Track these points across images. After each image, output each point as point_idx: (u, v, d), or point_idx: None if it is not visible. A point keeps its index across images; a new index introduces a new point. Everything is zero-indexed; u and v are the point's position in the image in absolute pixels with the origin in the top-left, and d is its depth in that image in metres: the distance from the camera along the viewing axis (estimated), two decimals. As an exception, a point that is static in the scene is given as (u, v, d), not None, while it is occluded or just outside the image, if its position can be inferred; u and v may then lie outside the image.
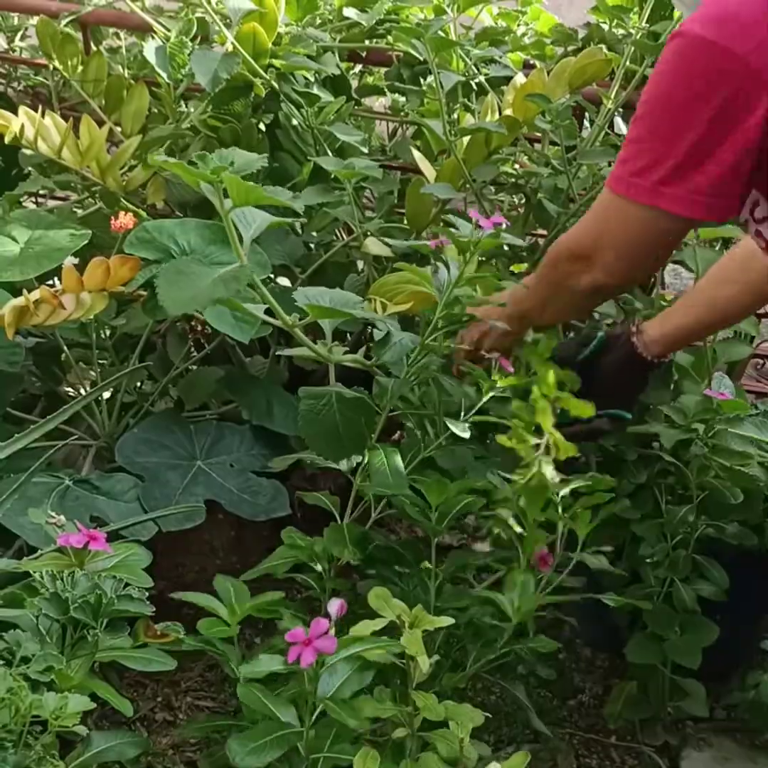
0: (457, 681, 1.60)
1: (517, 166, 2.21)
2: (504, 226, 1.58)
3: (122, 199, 2.11)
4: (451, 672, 1.62)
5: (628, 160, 1.36)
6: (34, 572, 1.22)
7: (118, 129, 2.18)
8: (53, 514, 1.35)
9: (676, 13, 2.06)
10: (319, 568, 1.67)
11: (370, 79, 2.42)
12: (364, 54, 2.27)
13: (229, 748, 1.27)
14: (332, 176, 2.04)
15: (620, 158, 1.39)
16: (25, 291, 1.83)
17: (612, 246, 1.43)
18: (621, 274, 1.48)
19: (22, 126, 2.01)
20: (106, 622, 1.18)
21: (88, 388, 2.25)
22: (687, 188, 1.31)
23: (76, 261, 2.01)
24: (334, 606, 1.28)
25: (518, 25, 2.39)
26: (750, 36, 1.22)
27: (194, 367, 2.25)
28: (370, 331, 2.25)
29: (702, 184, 1.30)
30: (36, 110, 2.06)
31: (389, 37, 2.23)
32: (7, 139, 2.01)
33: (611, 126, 2.13)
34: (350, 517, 1.77)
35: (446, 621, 1.50)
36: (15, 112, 2.05)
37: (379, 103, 2.61)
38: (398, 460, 1.65)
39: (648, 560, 1.87)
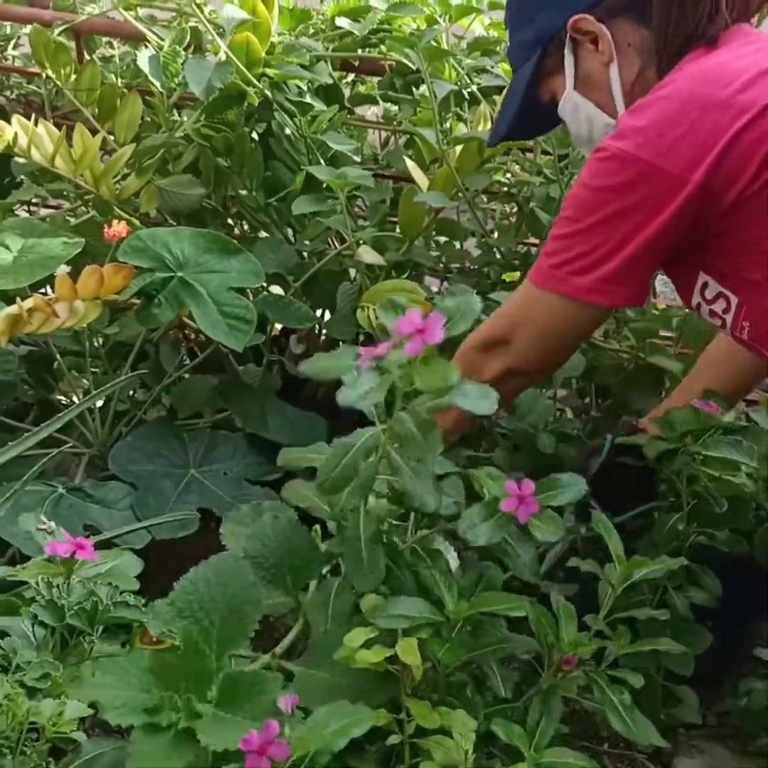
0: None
1: (509, 175, 2.22)
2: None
3: (115, 208, 2.12)
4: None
5: (550, 254, 1.46)
6: (30, 580, 1.22)
7: (111, 138, 2.18)
8: (44, 520, 1.34)
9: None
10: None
11: (362, 89, 2.43)
12: (356, 63, 2.28)
13: None
14: (325, 185, 2.04)
15: (543, 252, 1.48)
16: (18, 299, 1.84)
17: (528, 333, 1.52)
18: (534, 360, 1.56)
19: (16, 134, 2.01)
20: (102, 629, 1.19)
21: (80, 396, 2.25)
22: (602, 280, 1.42)
23: (68, 269, 2.01)
24: (283, 702, 1.19)
25: (510, 35, 2.39)
26: (661, 146, 1.36)
27: (187, 376, 2.25)
28: (361, 339, 2.26)
29: (616, 275, 1.42)
30: (29, 119, 2.06)
31: (382, 47, 2.24)
32: (0, 148, 2.01)
33: (603, 135, 2.14)
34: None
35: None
36: (8, 120, 2.06)
37: (371, 112, 2.62)
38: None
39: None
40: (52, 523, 1.33)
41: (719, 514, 1.79)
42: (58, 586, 1.19)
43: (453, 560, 1.47)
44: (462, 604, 1.40)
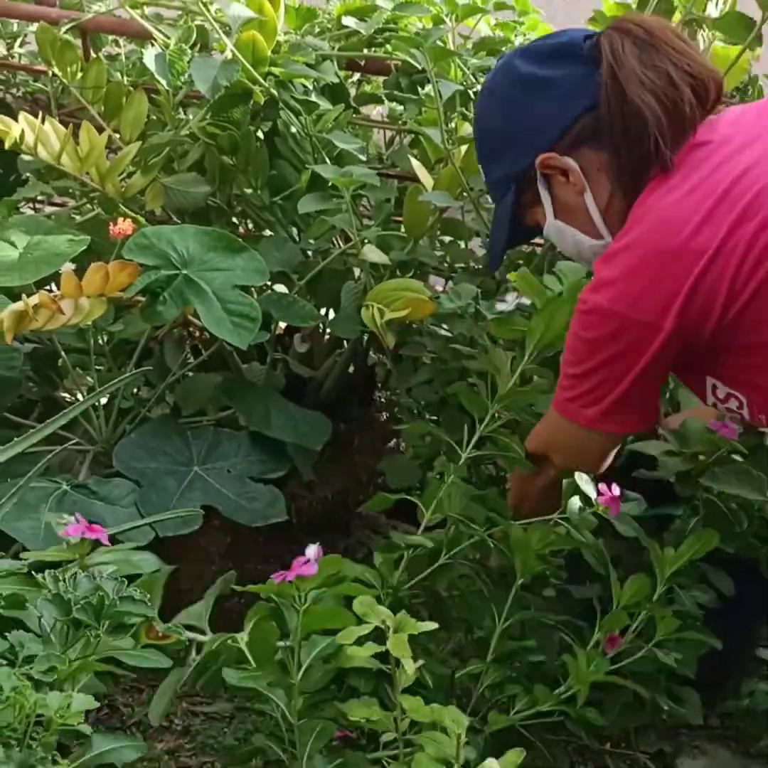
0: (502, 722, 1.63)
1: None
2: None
3: (121, 205, 2.12)
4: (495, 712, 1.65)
5: (564, 388, 1.59)
6: (37, 574, 1.22)
7: (117, 136, 2.19)
8: (64, 515, 1.35)
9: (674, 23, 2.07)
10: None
11: (368, 88, 2.43)
12: (362, 63, 2.28)
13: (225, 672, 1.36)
14: (330, 184, 2.04)
15: (559, 385, 1.61)
16: (24, 296, 1.84)
17: (562, 454, 1.68)
18: (575, 471, 1.68)
19: (22, 131, 2.01)
20: (108, 624, 1.19)
21: (84, 394, 2.25)
22: (608, 411, 1.55)
23: (73, 267, 2.01)
24: (312, 550, 1.38)
25: (516, 36, 2.39)
26: (630, 298, 1.45)
27: (191, 374, 2.25)
28: (366, 338, 2.26)
29: (619, 406, 1.54)
30: (35, 116, 2.07)
31: (387, 46, 2.24)
32: (7, 145, 2.01)
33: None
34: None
35: (431, 626, 1.50)
36: (14, 118, 2.06)
37: (376, 111, 2.62)
38: None
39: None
40: (72, 518, 1.34)
41: (730, 521, 1.80)
42: (65, 579, 1.20)
43: None
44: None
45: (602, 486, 1.63)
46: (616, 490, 1.63)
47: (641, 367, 1.49)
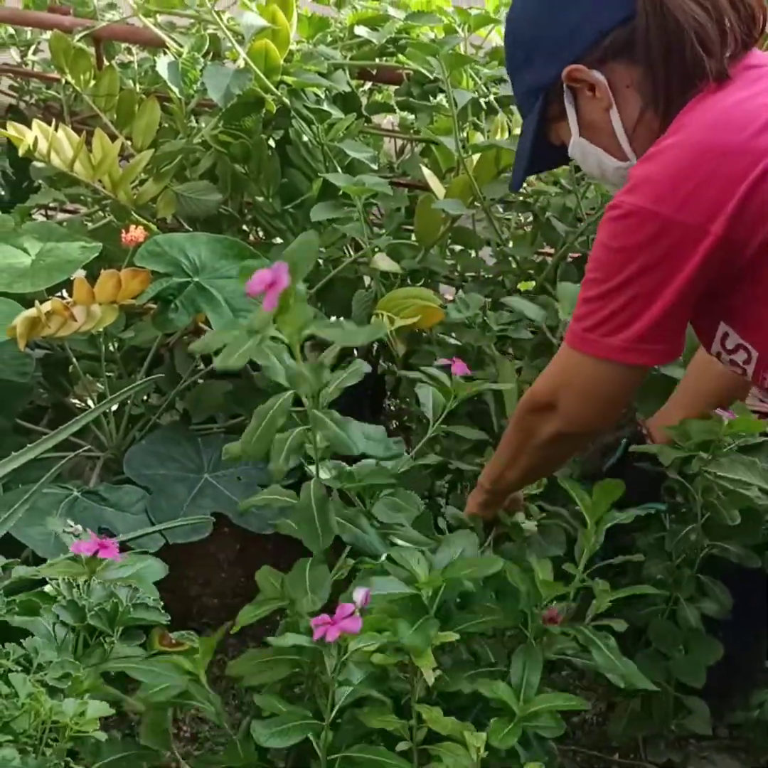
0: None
1: (524, 184, 2.23)
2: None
3: (133, 213, 2.13)
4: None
5: (582, 317, 1.45)
6: (51, 580, 1.23)
7: (129, 143, 2.20)
8: (71, 523, 1.36)
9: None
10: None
11: (379, 97, 2.44)
12: (374, 72, 2.29)
13: (253, 729, 1.30)
14: (341, 192, 2.05)
15: (574, 316, 1.47)
16: (37, 302, 1.85)
17: (573, 396, 1.52)
18: (584, 422, 1.56)
19: (36, 139, 2.02)
20: (121, 630, 1.19)
21: (95, 400, 2.26)
22: (634, 339, 1.41)
23: (84, 273, 2.02)
24: (360, 594, 1.29)
25: (527, 46, 2.40)
26: (677, 198, 1.33)
27: (202, 381, 2.26)
28: (375, 347, 2.27)
29: (648, 333, 1.40)
30: (48, 123, 2.08)
31: (399, 56, 2.25)
32: (20, 152, 2.02)
33: (619, 146, 2.15)
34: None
35: (452, 636, 1.50)
36: (27, 125, 2.07)
37: (386, 120, 2.63)
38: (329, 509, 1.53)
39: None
40: (79, 526, 1.34)
41: (732, 526, 1.79)
42: (78, 586, 1.20)
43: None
44: (434, 574, 1.42)
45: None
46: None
47: (680, 281, 1.36)
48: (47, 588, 1.31)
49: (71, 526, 1.35)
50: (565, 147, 1.56)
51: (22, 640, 1.14)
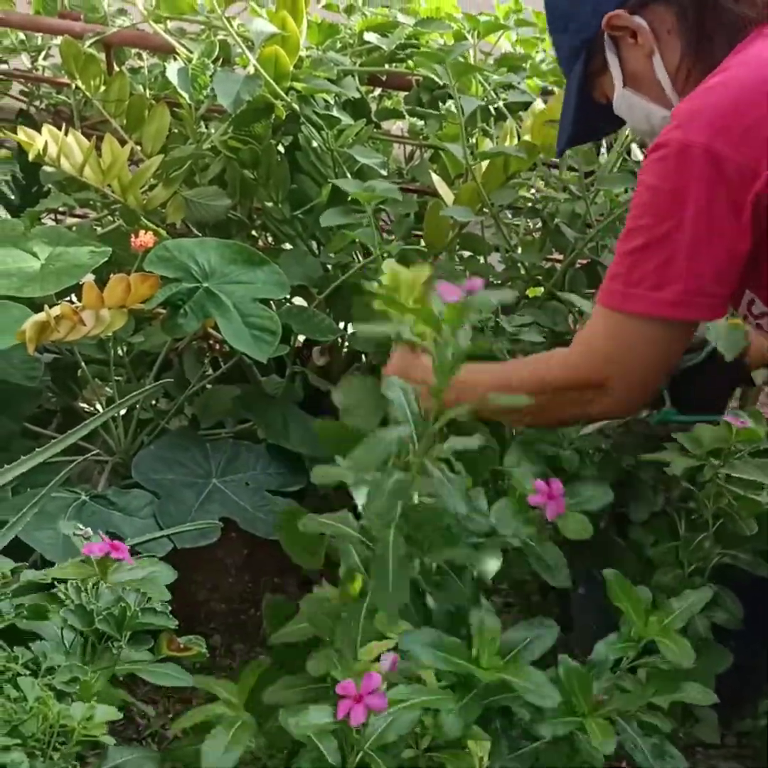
0: None
1: (534, 190, 2.23)
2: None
3: (142, 218, 2.13)
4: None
5: (623, 272, 1.35)
6: (59, 584, 1.23)
7: (139, 148, 2.20)
8: (80, 526, 1.36)
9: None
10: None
11: (388, 103, 2.44)
12: (383, 78, 2.29)
13: None
14: (350, 198, 2.05)
15: (611, 274, 1.37)
16: (46, 307, 1.85)
17: (625, 373, 1.40)
18: (635, 401, 1.47)
19: (46, 143, 2.02)
20: (130, 635, 1.19)
21: (103, 404, 2.26)
22: (684, 291, 1.31)
23: (93, 278, 2.02)
24: (387, 661, 1.22)
25: (537, 52, 2.41)
26: (730, 136, 1.27)
27: (210, 386, 2.26)
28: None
29: (697, 285, 1.31)
30: (58, 129, 2.08)
31: (409, 62, 2.25)
32: (31, 156, 2.02)
33: (629, 152, 2.15)
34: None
35: (454, 642, 1.49)
36: (37, 129, 2.08)
37: (396, 126, 2.63)
38: None
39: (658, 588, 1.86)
40: (89, 529, 1.34)
41: (744, 535, 1.79)
42: (87, 590, 1.20)
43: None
44: (495, 661, 1.28)
45: (539, 482, 1.32)
46: (557, 487, 1.32)
47: (734, 225, 1.27)
48: (55, 591, 1.32)
49: (81, 529, 1.35)
50: (609, 109, 1.52)
51: (30, 644, 1.14)
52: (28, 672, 1.07)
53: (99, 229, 2.25)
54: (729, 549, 1.82)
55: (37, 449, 1.72)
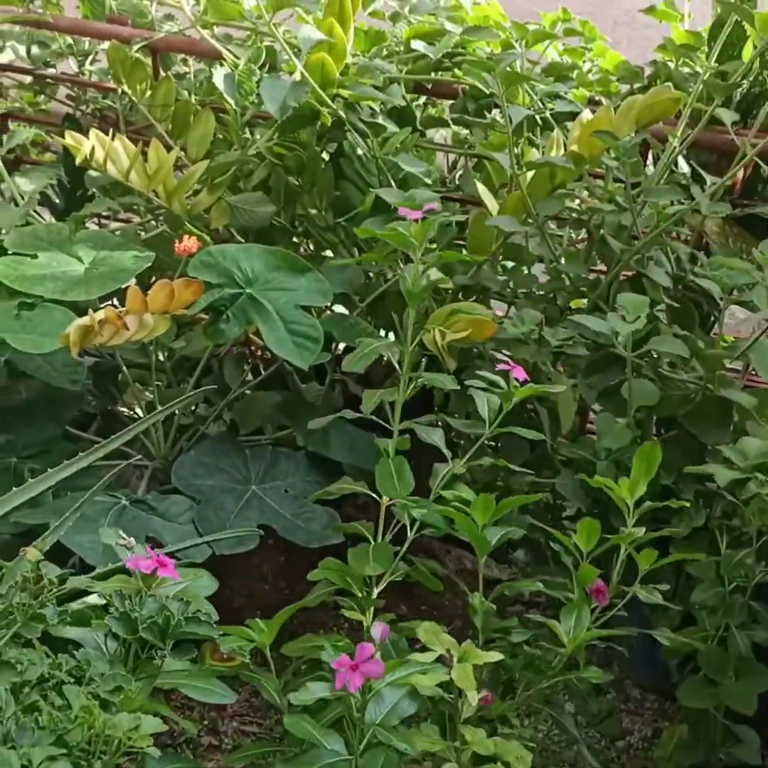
0: (505, 709, 1.59)
1: (578, 201, 2.21)
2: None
3: (186, 223, 2.13)
4: (499, 701, 1.61)
5: None
6: (106, 591, 1.23)
7: (184, 154, 2.20)
8: (123, 535, 1.36)
9: (746, 53, 2.06)
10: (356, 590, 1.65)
11: (433, 111, 2.43)
12: (429, 86, 2.28)
13: None
14: (393, 207, 2.04)
15: None
16: (90, 311, 1.85)
17: None
18: None
19: (93, 148, 2.03)
20: (173, 644, 1.19)
21: (143, 408, 2.26)
22: None
23: (134, 283, 2.03)
24: (378, 630, 1.28)
25: (584, 62, 2.39)
26: None
27: (250, 392, 2.26)
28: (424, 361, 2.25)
29: None
30: (104, 133, 2.09)
31: (455, 70, 2.24)
32: (77, 161, 2.04)
33: (676, 164, 2.13)
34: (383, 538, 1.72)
35: (496, 656, 1.49)
36: (84, 134, 2.08)
37: (439, 135, 2.63)
38: (406, 469, 1.71)
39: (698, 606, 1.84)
40: (133, 539, 1.34)
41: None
42: (130, 598, 1.20)
43: None
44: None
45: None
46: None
47: None
48: (93, 598, 1.31)
49: (124, 539, 1.35)
50: None
51: (74, 651, 1.14)
52: (72, 680, 1.06)
53: (143, 233, 2.25)
54: (769, 565, 1.80)
55: (80, 453, 1.73)
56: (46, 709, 0.99)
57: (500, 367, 1.72)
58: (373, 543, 1.67)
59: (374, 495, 1.71)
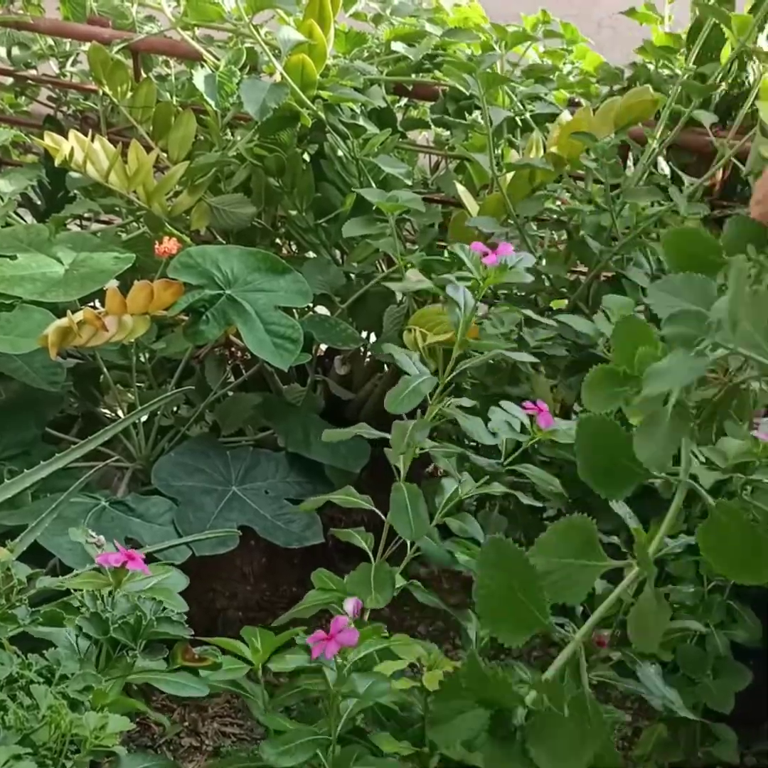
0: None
1: (558, 202, 2.22)
2: (510, 255, 1.55)
3: (167, 224, 2.13)
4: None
5: None
6: (75, 591, 1.22)
7: (165, 155, 2.20)
8: (93, 534, 1.35)
9: (725, 56, 2.07)
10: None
11: (414, 113, 2.43)
12: (410, 87, 2.29)
13: (261, 750, 1.30)
14: (375, 208, 2.05)
15: None
16: (69, 312, 1.85)
17: None
18: None
19: (72, 149, 2.03)
20: (144, 644, 1.19)
21: (124, 410, 2.26)
22: None
23: (117, 284, 2.03)
24: (350, 604, 1.31)
25: (564, 64, 2.40)
26: None
27: (231, 393, 2.26)
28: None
29: None
30: (84, 134, 2.09)
31: (436, 72, 2.25)
32: (57, 162, 2.03)
33: (655, 166, 2.14)
34: (383, 555, 1.72)
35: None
36: (64, 135, 2.08)
37: (421, 136, 2.63)
38: (422, 503, 1.61)
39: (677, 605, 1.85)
40: (102, 537, 1.34)
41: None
42: (102, 598, 1.20)
43: None
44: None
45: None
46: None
47: None
48: (70, 598, 1.31)
49: (93, 537, 1.34)
50: None
51: (44, 651, 1.14)
52: (41, 680, 1.06)
53: (123, 235, 2.25)
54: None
55: (57, 454, 1.72)
56: (12, 708, 0.99)
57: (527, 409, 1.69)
58: (372, 564, 1.62)
59: (379, 512, 1.67)
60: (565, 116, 2.10)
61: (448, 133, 2.37)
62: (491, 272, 1.54)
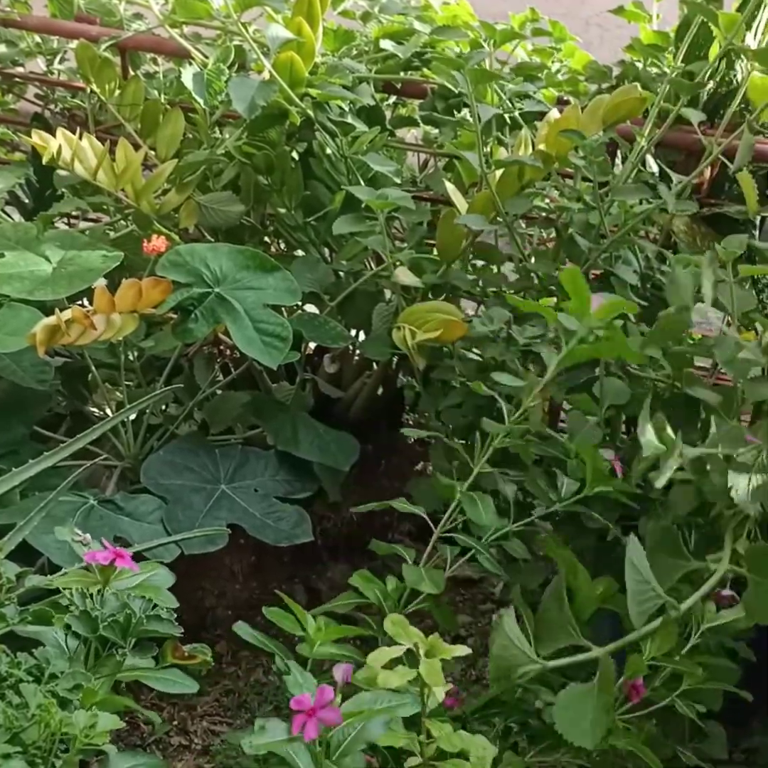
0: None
1: (547, 200, 2.22)
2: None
3: (155, 222, 2.13)
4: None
5: None
6: (64, 589, 1.22)
7: (153, 153, 2.20)
8: (79, 532, 1.35)
9: (713, 54, 2.07)
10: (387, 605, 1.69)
11: (403, 111, 2.43)
12: (399, 85, 2.29)
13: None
14: (364, 205, 2.05)
15: None
16: (57, 310, 1.85)
17: None
18: None
19: (60, 147, 2.02)
20: (134, 642, 1.18)
21: (113, 409, 2.26)
22: None
23: (105, 282, 2.02)
24: (339, 672, 1.27)
25: (552, 62, 2.40)
26: None
27: (220, 391, 2.25)
28: (395, 360, 2.26)
29: None
30: (72, 132, 2.08)
31: (424, 70, 2.24)
32: (44, 160, 2.03)
33: (644, 163, 2.14)
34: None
35: (463, 650, 1.49)
36: (52, 133, 2.08)
37: (410, 134, 2.63)
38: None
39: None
40: (88, 535, 1.33)
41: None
42: (92, 596, 1.19)
43: None
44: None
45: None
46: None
47: None
48: (59, 597, 1.30)
49: (79, 535, 1.34)
50: None
51: (33, 650, 1.14)
52: (31, 678, 1.06)
53: (112, 233, 2.24)
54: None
55: (45, 453, 1.72)
56: (1, 707, 0.99)
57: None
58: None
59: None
60: (554, 114, 2.09)
61: (436, 130, 2.36)
62: None
